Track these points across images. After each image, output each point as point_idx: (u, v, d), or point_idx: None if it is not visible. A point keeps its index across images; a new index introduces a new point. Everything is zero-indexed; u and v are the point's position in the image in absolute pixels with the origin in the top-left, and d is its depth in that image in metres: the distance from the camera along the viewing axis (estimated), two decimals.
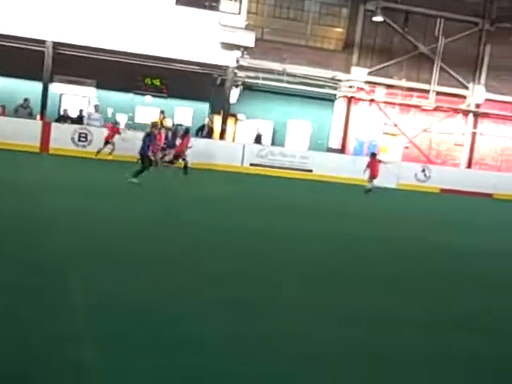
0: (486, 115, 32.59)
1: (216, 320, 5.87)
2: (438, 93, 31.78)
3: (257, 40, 27.77)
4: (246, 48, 27.64)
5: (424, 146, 32.08)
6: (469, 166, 32.37)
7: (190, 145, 21.78)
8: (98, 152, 23.13)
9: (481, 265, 10.84)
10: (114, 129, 23.85)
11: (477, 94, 32.13)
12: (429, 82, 31.69)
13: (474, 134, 32.60)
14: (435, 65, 31.76)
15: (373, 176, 22.49)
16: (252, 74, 29.23)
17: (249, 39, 27.12)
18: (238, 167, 25.70)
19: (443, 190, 27.45)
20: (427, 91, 31.71)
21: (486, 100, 32.32)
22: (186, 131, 22.68)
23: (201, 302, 6.37)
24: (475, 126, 32.60)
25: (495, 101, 32.39)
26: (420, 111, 31.91)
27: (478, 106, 32.43)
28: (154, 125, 18.85)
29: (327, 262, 9.53)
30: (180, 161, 21.67)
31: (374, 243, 11.69)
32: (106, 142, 23.29)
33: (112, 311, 5.77)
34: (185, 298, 6.49)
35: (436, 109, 31.91)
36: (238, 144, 27.37)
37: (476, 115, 32.54)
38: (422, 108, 31.80)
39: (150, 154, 17.79)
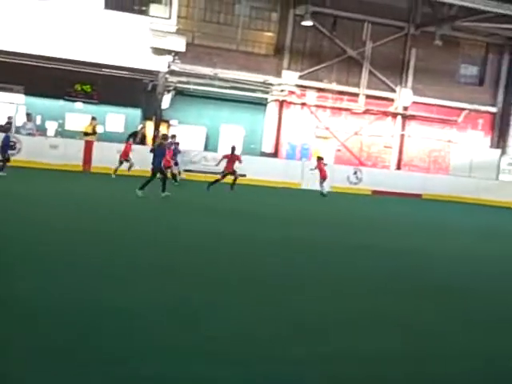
0: (413, 117, 33.51)
1: None
2: (368, 96, 32.47)
3: (188, 45, 27.63)
4: (177, 53, 27.45)
5: (355, 148, 32.70)
6: (398, 167, 33.20)
7: None
8: (116, 171, 22.88)
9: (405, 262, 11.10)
10: (128, 147, 23.37)
11: (404, 96, 32.98)
12: (358, 86, 32.32)
13: (402, 136, 33.46)
14: (364, 68, 32.41)
15: (322, 177, 23.27)
16: (184, 79, 29.14)
17: (179, 44, 26.95)
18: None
19: (374, 192, 28.08)
20: (357, 94, 32.35)
21: (413, 102, 33.23)
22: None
23: None
24: (403, 129, 33.47)
25: (421, 103, 33.35)
26: (351, 114, 32.52)
27: (405, 108, 33.29)
28: (164, 137, 18.66)
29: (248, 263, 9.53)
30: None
31: (303, 245, 11.82)
32: (122, 161, 22.90)
33: None
34: None
35: (366, 112, 32.60)
36: None
37: (404, 118, 33.41)
38: (353, 111, 32.41)
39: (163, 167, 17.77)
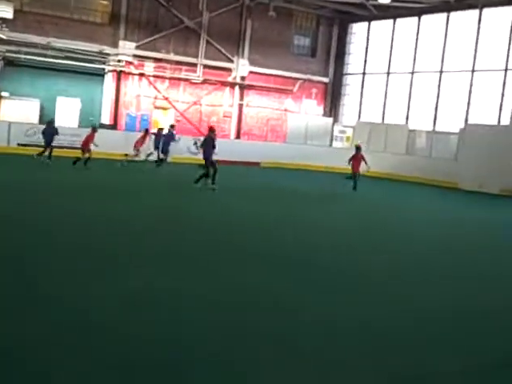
0: (251, 87, 34.26)
1: None
2: (206, 66, 32.71)
3: (16, 11, 26.34)
4: (4, 20, 26.04)
5: (195, 118, 32.92)
6: (238, 136, 33.88)
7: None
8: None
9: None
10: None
11: (241, 67, 33.60)
12: (196, 56, 32.43)
13: (240, 106, 34.14)
14: (201, 39, 32.55)
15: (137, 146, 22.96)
16: (13, 48, 27.67)
17: (6, 10, 25.60)
18: (5, 148, 24.31)
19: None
20: (195, 65, 32.45)
21: (251, 73, 33.96)
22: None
23: None
24: (242, 98, 34.13)
25: (259, 73, 34.16)
26: (189, 85, 32.60)
27: (243, 78, 33.92)
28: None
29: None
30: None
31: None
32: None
33: None
34: None
35: (204, 82, 32.84)
36: (3, 123, 25.76)
37: (242, 87, 34.06)
38: (191, 81, 32.51)
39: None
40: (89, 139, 21.32)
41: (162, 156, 23.57)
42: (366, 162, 21.00)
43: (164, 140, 23.73)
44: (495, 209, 21.61)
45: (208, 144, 17.98)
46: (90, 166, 20.69)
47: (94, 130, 21.83)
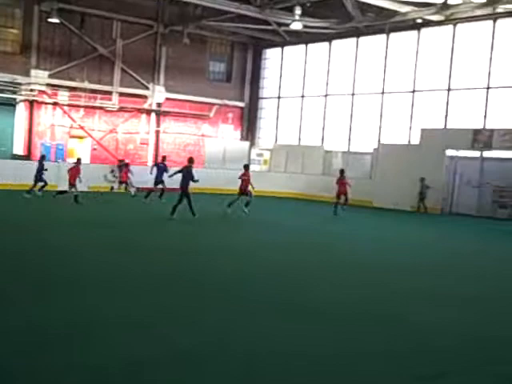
0: (167, 113, 34.28)
1: None
2: (121, 94, 32.57)
3: None
4: None
5: (112, 146, 32.58)
6: (155, 163, 33.62)
7: None
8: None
9: None
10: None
11: (157, 93, 33.64)
12: (111, 84, 32.23)
13: (157, 133, 34.06)
14: (116, 66, 32.41)
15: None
16: None
17: None
18: None
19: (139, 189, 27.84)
20: (110, 92, 32.25)
21: (167, 99, 34.04)
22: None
23: None
24: (158, 125, 34.08)
25: (175, 99, 34.25)
26: (105, 112, 32.33)
27: (159, 105, 33.93)
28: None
29: None
30: None
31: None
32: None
33: None
34: None
35: (120, 109, 32.63)
36: None
37: (158, 114, 34.04)
38: (107, 109, 32.24)
39: None
40: (75, 173, 20.98)
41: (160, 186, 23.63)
42: (349, 185, 21.63)
43: (158, 172, 23.75)
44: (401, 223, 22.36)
45: (187, 175, 17.98)
46: (82, 201, 20.35)
47: (79, 162, 21.70)
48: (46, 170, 22.79)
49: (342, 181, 21.85)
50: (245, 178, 20.74)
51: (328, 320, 7.71)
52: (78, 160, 22.19)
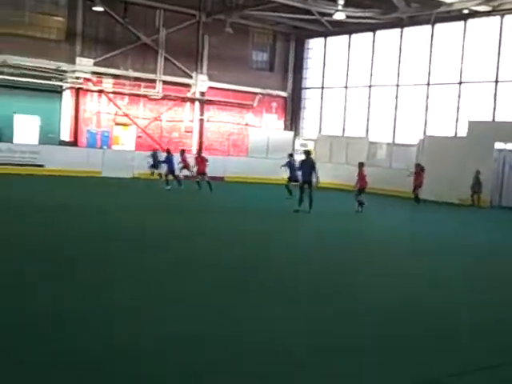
0: (210, 102, 34.26)
1: None
2: (165, 82, 32.65)
3: None
4: None
5: (156, 134, 32.71)
6: (199, 151, 33.65)
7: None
8: None
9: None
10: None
11: (200, 82, 33.63)
12: (155, 72, 32.32)
13: (201, 121, 34.11)
14: (159, 55, 32.46)
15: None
16: None
17: None
18: None
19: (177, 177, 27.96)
20: (154, 81, 32.34)
21: (210, 88, 34.00)
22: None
23: None
24: (202, 113, 34.11)
25: (218, 88, 34.22)
26: (149, 100, 32.43)
27: (202, 93, 33.92)
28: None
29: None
30: None
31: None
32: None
33: None
34: None
35: (164, 98, 32.71)
36: None
37: (201, 103, 34.03)
38: (151, 97, 32.34)
39: None
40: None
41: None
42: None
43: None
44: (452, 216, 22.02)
45: (308, 167, 18.01)
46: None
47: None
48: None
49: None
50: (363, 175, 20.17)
51: None
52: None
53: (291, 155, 22.73)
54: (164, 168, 24.29)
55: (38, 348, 5.15)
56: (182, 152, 25.05)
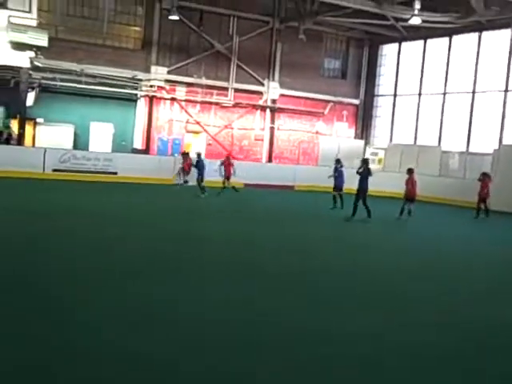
0: (281, 110, 34.31)
1: None
2: (237, 90, 32.91)
3: (51, 39, 26.74)
4: (39, 48, 26.47)
5: (226, 142, 33.04)
6: (269, 160, 33.86)
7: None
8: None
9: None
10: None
11: (272, 89, 33.71)
12: (227, 80, 32.65)
13: (272, 129, 34.19)
14: (232, 63, 32.77)
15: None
16: (48, 75, 28.15)
17: (42, 39, 25.99)
18: (40, 174, 24.60)
19: (247, 185, 28.23)
20: (226, 88, 32.66)
21: (281, 95, 34.05)
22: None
23: None
24: (273, 121, 34.19)
25: (289, 96, 34.23)
26: (220, 108, 32.79)
27: (274, 101, 34.00)
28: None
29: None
30: None
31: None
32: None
33: None
34: None
35: (235, 105, 33.00)
36: (39, 149, 26.09)
37: (273, 110, 34.12)
38: (222, 105, 32.69)
39: None
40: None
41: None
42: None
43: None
44: None
45: (366, 175, 18.23)
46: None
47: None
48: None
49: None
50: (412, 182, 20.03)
51: None
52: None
53: (338, 161, 22.03)
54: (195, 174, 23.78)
55: None
56: (186, 155, 24.96)
